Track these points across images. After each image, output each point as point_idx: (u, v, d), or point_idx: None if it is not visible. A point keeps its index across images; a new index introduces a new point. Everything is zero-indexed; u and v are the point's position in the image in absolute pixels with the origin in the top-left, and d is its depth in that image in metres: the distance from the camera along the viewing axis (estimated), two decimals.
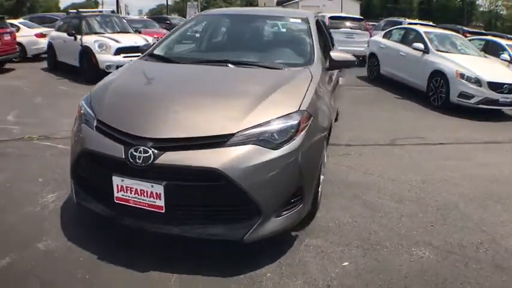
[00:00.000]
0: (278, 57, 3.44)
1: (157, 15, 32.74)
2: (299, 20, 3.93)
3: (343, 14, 15.59)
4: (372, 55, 10.28)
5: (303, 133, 2.39)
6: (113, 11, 13.39)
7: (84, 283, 2.21)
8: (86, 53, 8.66)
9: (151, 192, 2.21)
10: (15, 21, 12.90)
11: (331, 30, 13.27)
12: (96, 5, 62.80)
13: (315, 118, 2.58)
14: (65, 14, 14.58)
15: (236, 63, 3.17)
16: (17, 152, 4.22)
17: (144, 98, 2.69)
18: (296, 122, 2.38)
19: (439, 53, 7.91)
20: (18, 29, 12.43)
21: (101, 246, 2.52)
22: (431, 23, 17.16)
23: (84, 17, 10.27)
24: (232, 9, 5.53)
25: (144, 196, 2.23)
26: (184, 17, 50.66)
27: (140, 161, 2.18)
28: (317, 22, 4.31)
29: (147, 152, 2.18)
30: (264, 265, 2.39)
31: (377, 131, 5.64)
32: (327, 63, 3.42)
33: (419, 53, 8.19)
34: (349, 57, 3.51)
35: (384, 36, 10.19)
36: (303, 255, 2.54)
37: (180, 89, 2.87)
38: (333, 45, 5.01)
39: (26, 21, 14.10)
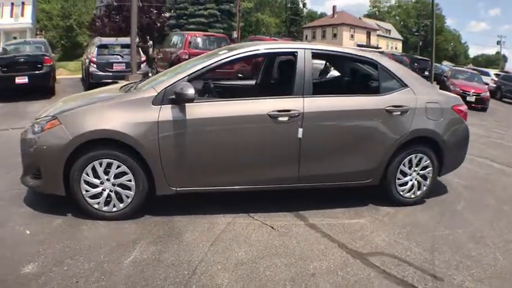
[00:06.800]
0: None
1: None
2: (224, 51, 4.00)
3: None
4: None
5: (45, 132, 3.43)
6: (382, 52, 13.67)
7: None
8: None
9: None
10: None
11: None
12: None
13: (69, 127, 3.35)
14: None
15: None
16: None
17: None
18: (45, 122, 3.49)
19: None
20: None
21: None
22: None
23: None
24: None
25: None
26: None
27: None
28: (297, 57, 3.79)
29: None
30: None
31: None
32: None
33: None
34: (186, 91, 3.29)
35: None
36: None
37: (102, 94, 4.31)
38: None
39: None
